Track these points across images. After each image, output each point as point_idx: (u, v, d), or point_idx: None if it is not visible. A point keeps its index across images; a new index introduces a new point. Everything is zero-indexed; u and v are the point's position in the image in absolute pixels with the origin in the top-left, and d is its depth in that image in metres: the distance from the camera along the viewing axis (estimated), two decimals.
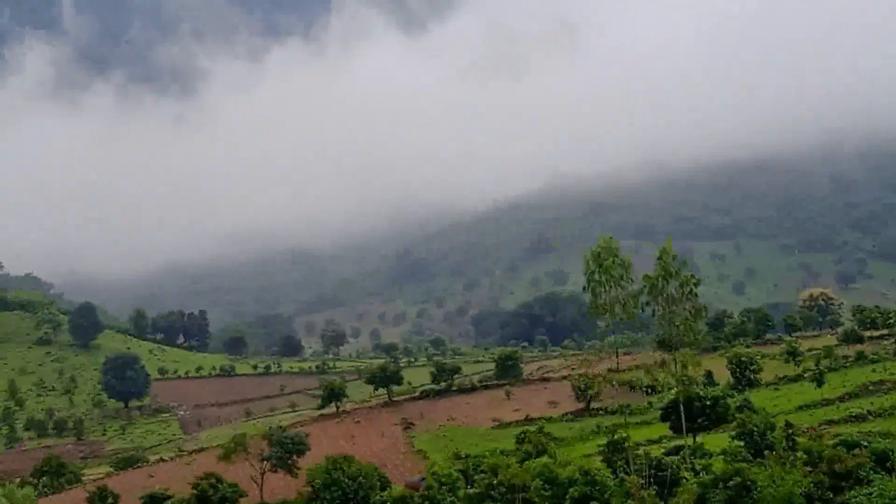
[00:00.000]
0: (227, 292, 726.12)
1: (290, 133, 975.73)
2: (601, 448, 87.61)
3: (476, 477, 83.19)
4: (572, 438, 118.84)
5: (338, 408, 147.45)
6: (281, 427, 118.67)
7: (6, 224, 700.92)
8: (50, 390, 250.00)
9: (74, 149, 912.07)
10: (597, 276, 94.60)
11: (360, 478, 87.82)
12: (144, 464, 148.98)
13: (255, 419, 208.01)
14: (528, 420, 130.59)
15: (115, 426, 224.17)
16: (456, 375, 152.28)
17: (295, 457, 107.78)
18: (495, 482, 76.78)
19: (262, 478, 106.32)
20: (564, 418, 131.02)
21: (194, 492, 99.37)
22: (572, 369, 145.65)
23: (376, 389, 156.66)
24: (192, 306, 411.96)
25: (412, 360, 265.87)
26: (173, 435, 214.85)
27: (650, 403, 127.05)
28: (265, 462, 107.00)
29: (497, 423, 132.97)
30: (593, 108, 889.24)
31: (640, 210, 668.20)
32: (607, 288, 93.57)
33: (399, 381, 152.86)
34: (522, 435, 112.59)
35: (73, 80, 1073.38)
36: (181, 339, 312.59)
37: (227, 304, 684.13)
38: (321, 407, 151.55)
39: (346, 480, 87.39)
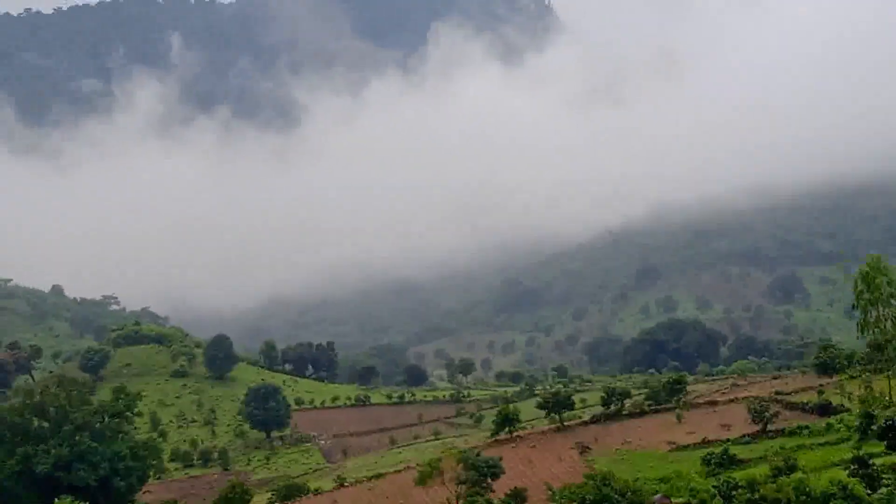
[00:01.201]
0: (332, 324, 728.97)
1: (391, 165, 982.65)
2: (846, 465, 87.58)
3: (735, 493, 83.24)
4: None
5: (511, 433, 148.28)
6: (476, 451, 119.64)
7: (118, 259, 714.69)
8: (191, 422, 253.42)
9: (181, 184, 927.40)
10: (866, 295, 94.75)
11: (629, 493, 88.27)
12: (313, 492, 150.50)
13: (398, 447, 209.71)
14: (706, 442, 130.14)
15: (259, 456, 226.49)
16: (627, 400, 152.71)
17: (489, 480, 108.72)
18: (756, 497, 77.03)
19: (457, 502, 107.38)
20: (742, 440, 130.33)
21: None
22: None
23: (548, 414, 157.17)
24: (298, 338, 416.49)
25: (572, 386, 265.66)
26: (317, 464, 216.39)
27: (828, 425, 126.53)
28: (461, 486, 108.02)
29: (674, 446, 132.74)
30: (695, 134, 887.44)
31: (746, 235, 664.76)
32: (877, 305, 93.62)
33: (571, 406, 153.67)
34: (709, 456, 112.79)
35: (179, 115, 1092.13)
36: (309, 371, 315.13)
37: (333, 336, 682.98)
38: (495, 433, 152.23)
39: (616, 496, 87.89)
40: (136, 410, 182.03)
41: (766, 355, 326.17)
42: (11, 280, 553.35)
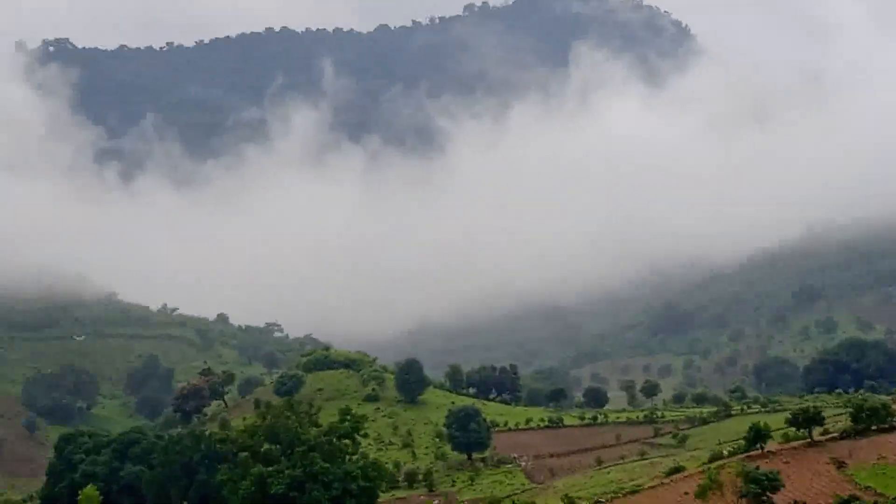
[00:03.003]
0: (481, 350, 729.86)
1: (535, 189, 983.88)
2: None
3: None
4: None
5: (762, 448, 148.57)
6: (756, 465, 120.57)
7: (275, 286, 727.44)
8: (388, 444, 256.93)
9: (332, 211, 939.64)
10: None
11: None
12: None
13: (606, 468, 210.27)
14: None
15: (463, 477, 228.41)
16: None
17: (769, 494, 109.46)
18: None
19: None
20: None
21: None
22: None
23: (799, 430, 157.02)
24: (447, 364, 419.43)
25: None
26: (522, 484, 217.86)
27: None
28: (742, 499, 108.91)
29: None
30: (848, 155, 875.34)
31: None
32: None
33: (822, 422, 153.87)
34: None
35: (329, 143, 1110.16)
36: (493, 393, 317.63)
37: (482, 361, 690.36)
38: (746, 448, 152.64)
39: None
40: (362, 432, 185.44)
41: None
42: (178, 309, 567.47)
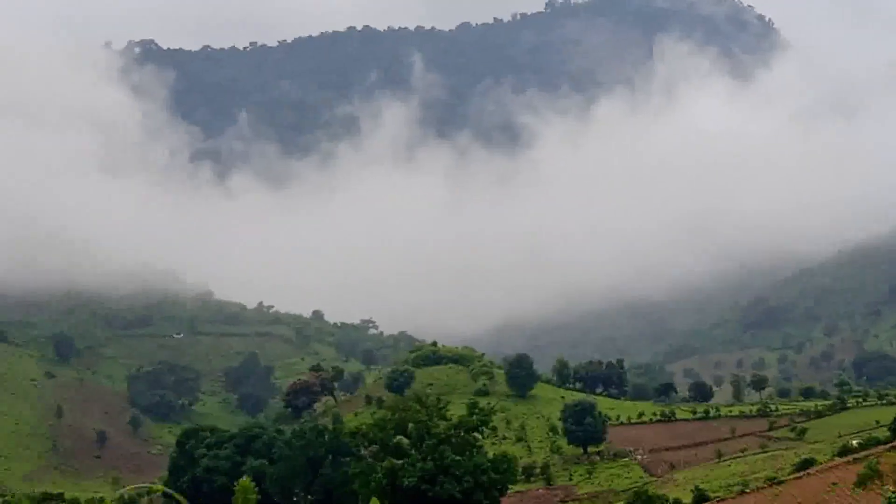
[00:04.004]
0: (567, 347, 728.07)
1: (619, 184, 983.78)
2: None
3: None
4: None
5: None
6: None
7: (367, 283, 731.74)
8: (503, 438, 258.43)
9: (419, 208, 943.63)
10: None
11: None
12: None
13: (727, 460, 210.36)
14: None
15: (580, 471, 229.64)
16: None
17: None
18: None
19: None
20: None
21: None
22: None
23: None
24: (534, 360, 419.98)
25: None
26: (640, 478, 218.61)
27: None
28: None
29: None
30: None
31: None
32: None
33: None
34: None
35: (418, 139, 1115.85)
36: (599, 388, 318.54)
37: (568, 359, 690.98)
38: (893, 438, 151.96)
39: None
40: (490, 425, 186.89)
41: None
42: (273, 307, 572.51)
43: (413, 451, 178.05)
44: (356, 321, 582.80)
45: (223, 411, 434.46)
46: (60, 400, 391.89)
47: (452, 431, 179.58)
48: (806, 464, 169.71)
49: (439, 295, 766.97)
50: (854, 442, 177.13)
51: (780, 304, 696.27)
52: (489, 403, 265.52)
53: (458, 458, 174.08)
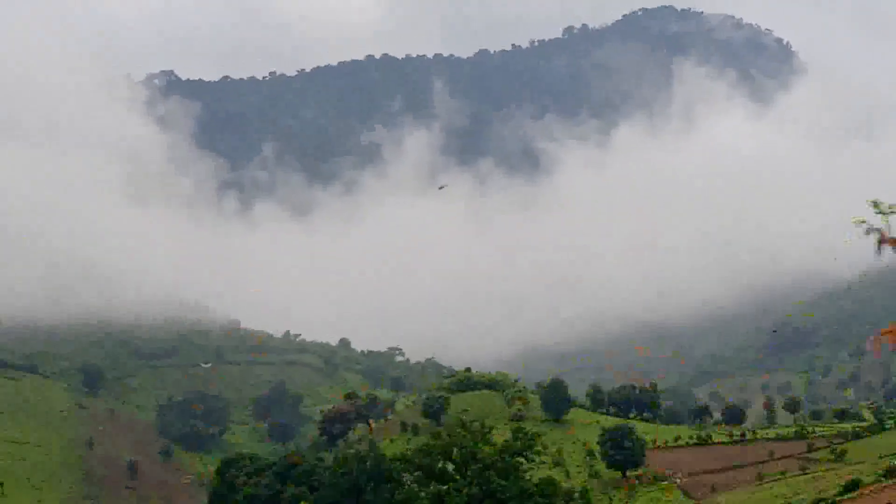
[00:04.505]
0: (592, 372, 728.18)
1: (640, 209, 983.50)
2: None
3: None
4: None
5: None
6: None
7: (390, 311, 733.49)
8: (541, 463, 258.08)
9: (442, 234, 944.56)
10: None
11: None
12: None
13: (769, 483, 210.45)
14: None
15: (620, 495, 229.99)
16: None
17: None
18: None
19: None
20: None
21: None
22: None
23: None
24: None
25: None
26: (680, 501, 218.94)
27: None
28: None
29: None
30: None
31: None
32: None
33: None
34: None
35: (439, 166, 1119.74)
36: (632, 412, 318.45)
37: (593, 383, 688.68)
38: None
39: None
40: (535, 449, 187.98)
41: None
42: (300, 335, 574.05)
43: (458, 477, 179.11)
44: (383, 349, 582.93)
45: (253, 440, 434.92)
46: (90, 430, 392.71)
47: (497, 456, 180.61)
48: (853, 485, 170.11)
49: (464, 321, 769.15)
50: None
51: (805, 327, 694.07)
52: (526, 430, 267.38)
53: (503, 482, 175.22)
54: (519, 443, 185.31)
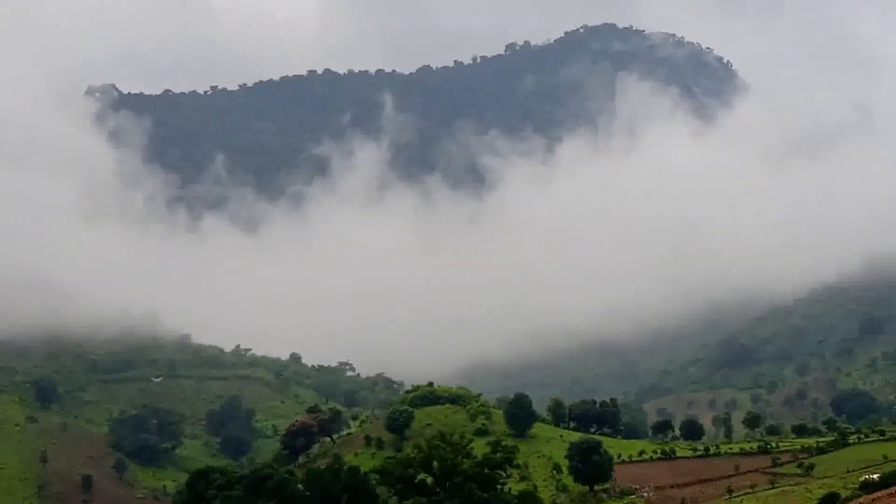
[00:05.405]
0: (537, 387, 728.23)
1: (586, 225, 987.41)
2: None
3: None
4: None
5: None
6: None
7: (335, 325, 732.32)
8: (507, 477, 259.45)
9: (388, 249, 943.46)
10: None
11: None
12: None
13: (739, 496, 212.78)
14: None
15: None
16: None
17: None
18: None
19: None
20: None
21: None
22: None
23: None
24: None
25: None
26: None
27: None
28: None
29: None
30: None
31: None
32: None
33: None
34: None
35: (388, 180, 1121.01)
36: (593, 427, 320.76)
37: (539, 399, 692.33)
38: None
39: None
40: (514, 462, 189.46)
41: None
42: (251, 350, 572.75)
43: (439, 489, 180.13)
44: (333, 363, 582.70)
45: (205, 454, 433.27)
46: (44, 445, 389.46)
47: (478, 469, 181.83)
48: (830, 498, 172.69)
49: (410, 337, 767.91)
50: (874, 476, 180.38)
51: (752, 344, 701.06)
52: (487, 443, 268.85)
53: (485, 494, 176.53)
54: (499, 455, 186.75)
